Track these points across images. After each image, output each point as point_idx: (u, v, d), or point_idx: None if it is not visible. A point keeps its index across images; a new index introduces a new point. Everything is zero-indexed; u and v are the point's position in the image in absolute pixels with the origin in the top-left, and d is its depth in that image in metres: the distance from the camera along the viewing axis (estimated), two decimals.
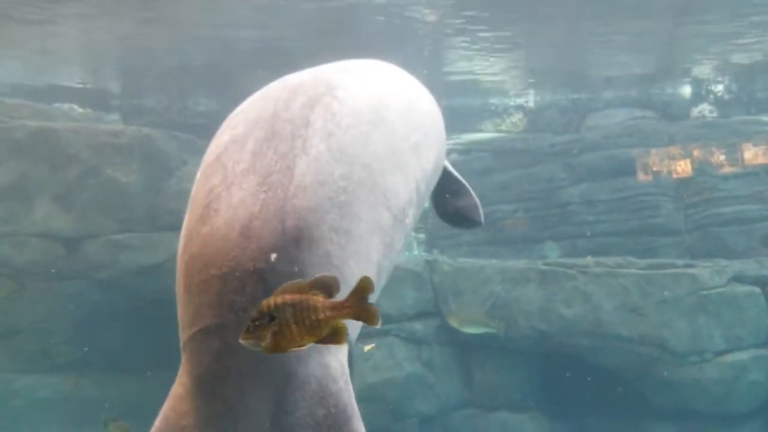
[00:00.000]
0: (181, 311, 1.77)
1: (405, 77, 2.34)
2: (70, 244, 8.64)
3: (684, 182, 9.09)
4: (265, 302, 1.42)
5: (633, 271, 6.90)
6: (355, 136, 1.92)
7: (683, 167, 9.16)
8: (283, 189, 1.77)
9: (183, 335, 1.75)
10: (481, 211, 2.47)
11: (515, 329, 6.97)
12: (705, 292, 6.66)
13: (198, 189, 1.88)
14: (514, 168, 9.71)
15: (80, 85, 10.96)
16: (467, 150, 10.41)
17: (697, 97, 10.25)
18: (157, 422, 1.75)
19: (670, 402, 6.77)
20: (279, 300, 1.42)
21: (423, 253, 9.13)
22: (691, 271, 6.82)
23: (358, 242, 1.81)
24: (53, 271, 8.49)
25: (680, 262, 7.25)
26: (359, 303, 1.43)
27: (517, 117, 11.06)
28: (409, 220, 2.07)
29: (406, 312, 7.05)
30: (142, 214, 8.61)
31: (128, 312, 8.41)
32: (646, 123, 9.83)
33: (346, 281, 1.70)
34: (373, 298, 1.80)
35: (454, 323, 6.75)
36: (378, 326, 1.47)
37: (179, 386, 1.73)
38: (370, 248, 1.83)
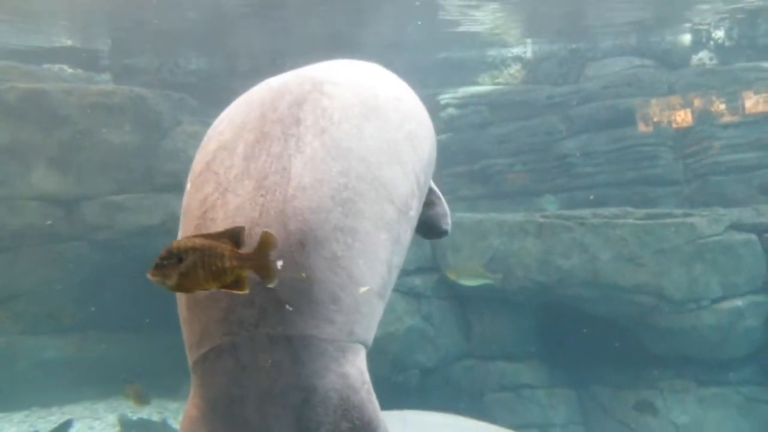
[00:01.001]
0: (187, 331, 1.67)
1: (388, 73, 2.24)
2: (68, 206, 8.62)
3: (683, 131, 9.02)
4: (175, 243, 1.50)
5: (631, 221, 6.91)
6: (348, 129, 1.84)
7: (682, 116, 9.08)
8: (281, 191, 1.69)
9: (191, 356, 1.66)
10: (450, 220, 2.33)
11: (513, 281, 7.02)
12: (702, 241, 6.69)
13: (190, 200, 1.79)
14: (512, 121, 9.63)
15: (69, 45, 10.76)
16: (464, 104, 10.30)
17: (697, 45, 10.09)
18: None
19: (668, 349, 6.87)
20: (189, 243, 1.50)
21: None
22: (689, 220, 6.82)
23: (365, 240, 1.73)
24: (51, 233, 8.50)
25: (678, 211, 7.25)
26: (261, 258, 1.50)
27: (514, 68, 10.90)
28: (413, 212, 1.97)
29: (406, 267, 7.08)
30: (137, 176, 8.58)
31: (128, 273, 8.43)
32: (645, 72, 9.70)
33: (357, 282, 1.66)
34: (385, 297, 1.77)
35: (452, 277, 6.79)
36: (273, 285, 1.53)
37: (193, 408, 1.64)
38: (377, 245, 1.75)
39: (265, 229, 1.56)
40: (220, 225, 1.64)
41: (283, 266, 1.58)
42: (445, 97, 10.56)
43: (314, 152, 1.77)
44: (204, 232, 1.62)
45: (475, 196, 9.53)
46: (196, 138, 9.02)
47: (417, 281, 7.12)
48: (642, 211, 7.14)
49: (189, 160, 8.25)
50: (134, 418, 6.76)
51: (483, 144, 9.70)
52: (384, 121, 1.93)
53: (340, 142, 1.81)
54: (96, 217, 8.57)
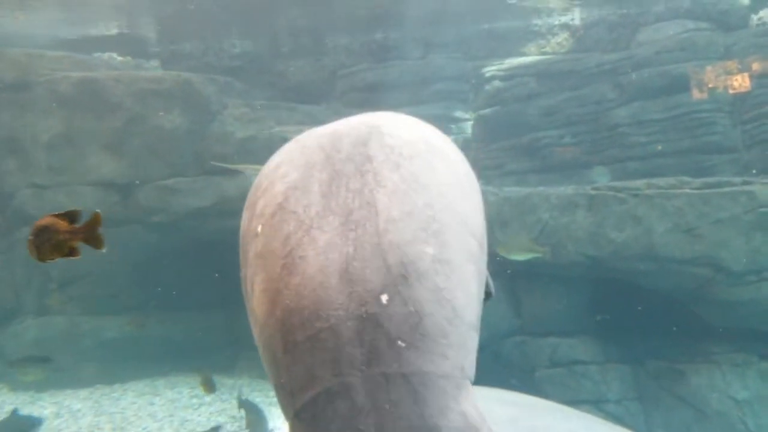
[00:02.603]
0: (284, 376, 1.56)
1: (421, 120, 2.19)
2: (123, 190, 8.89)
3: (741, 96, 8.62)
4: (36, 223, 1.95)
5: (687, 191, 6.67)
6: (420, 164, 1.78)
7: (740, 80, 8.67)
8: (372, 225, 1.62)
9: (292, 402, 1.54)
10: (492, 282, 2.25)
11: (564, 256, 6.90)
12: (763, 210, 6.41)
13: (268, 242, 1.69)
14: (561, 91, 9.39)
15: (117, 33, 10.99)
16: (510, 75, 10.09)
17: (758, 2, 9.57)
18: None
19: (727, 322, 6.65)
20: (37, 222, 1.98)
21: None
22: (748, 188, 6.54)
23: (459, 272, 1.66)
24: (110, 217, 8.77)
25: (737, 179, 6.96)
26: (90, 230, 1.98)
27: (562, 37, 10.61)
28: (485, 248, 1.91)
29: None
30: (188, 159, 8.76)
31: (183, 254, 8.68)
32: (700, 35, 9.29)
33: (460, 315, 1.60)
34: (478, 331, 1.73)
35: (502, 252, 6.72)
36: (103, 250, 1.87)
37: None
38: (468, 277, 1.68)
39: (361, 263, 1.54)
40: (312, 263, 1.57)
41: (388, 301, 1.51)
42: (491, 70, 10.37)
43: (396, 186, 1.71)
44: (293, 270, 1.58)
45: (522, 170, 9.37)
46: (243, 121, 9.15)
47: None
48: (698, 181, 6.88)
49: (237, 143, 8.47)
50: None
51: (530, 116, 9.50)
52: (446, 157, 1.89)
53: (417, 175, 1.75)
54: (150, 200, 8.81)
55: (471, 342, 1.63)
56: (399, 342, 1.49)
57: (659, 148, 8.62)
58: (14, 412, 6.83)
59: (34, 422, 6.76)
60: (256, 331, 1.67)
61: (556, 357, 6.99)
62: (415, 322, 1.52)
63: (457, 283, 1.63)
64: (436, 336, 1.54)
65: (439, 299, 1.57)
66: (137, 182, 8.70)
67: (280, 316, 1.56)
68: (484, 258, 1.87)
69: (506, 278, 7.22)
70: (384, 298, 1.52)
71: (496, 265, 7.02)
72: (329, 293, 1.54)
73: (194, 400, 7.59)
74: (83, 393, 8.28)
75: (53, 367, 8.42)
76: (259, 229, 1.74)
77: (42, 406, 7.73)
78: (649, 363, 7.06)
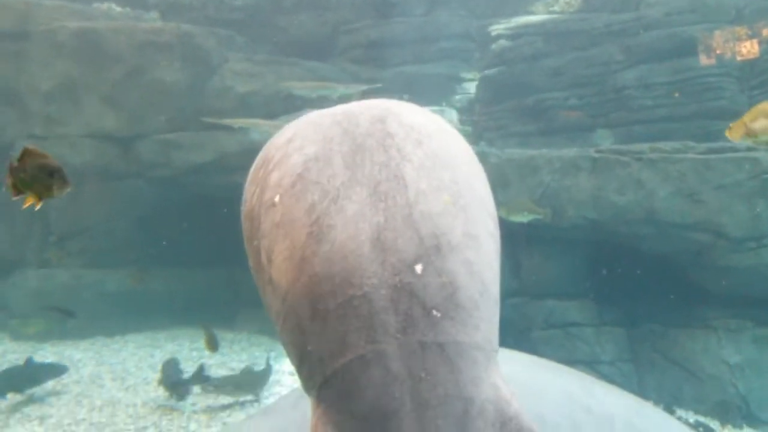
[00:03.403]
0: (312, 342, 1.54)
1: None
2: (123, 144, 8.83)
3: (750, 61, 8.49)
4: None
5: (691, 156, 6.62)
6: (439, 143, 1.75)
7: (750, 45, 8.52)
8: (401, 196, 1.59)
9: (321, 369, 1.51)
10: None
11: (565, 219, 6.89)
12: (767, 176, 6.38)
13: (289, 210, 1.66)
14: (567, 52, 9.23)
15: None
16: (517, 35, 9.91)
17: None
18: None
19: (725, 288, 6.69)
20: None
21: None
22: (752, 154, 6.49)
23: (485, 247, 1.65)
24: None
25: (742, 145, 6.90)
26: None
27: None
28: (498, 228, 1.95)
29: None
30: (188, 114, 8.68)
31: (184, 209, 8.68)
32: None
33: (488, 289, 1.60)
34: (499, 305, 1.74)
35: (502, 213, 6.67)
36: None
37: (327, 428, 1.49)
38: (491, 254, 1.67)
39: (392, 233, 1.51)
40: (341, 231, 1.55)
41: (422, 271, 1.50)
42: (497, 28, 10.19)
43: (421, 161, 1.68)
44: (322, 238, 1.55)
45: (526, 132, 9.28)
46: (244, 76, 9.03)
47: None
48: (703, 146, 6.82)
49: (237, 98, 8.37)
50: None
51: (536, 77, 9.37)
52: (457, 138, 1.84)
53: (438, 152, 1.72)
54: (151, 154, 8.77)
55: (496, 317, 1.62)
56: (434, 311, 1.49)
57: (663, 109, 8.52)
58: (29, 360, 6.88)
59: (61, 369, 6.79)
60: (274, 301, 1.62)
61: (553, 318, 7.05)
62: (450, 293, 1.52)
63: (484, 259, 1.63)
64: (470, 308, 1.54)
65: (471, 272, 1.57)
66: (137, 136, 8.64)
67: (308, 283, 1.54)
68: (498, 237, 1.89)
69: (506, 241, 7.21)
70: (418, 267, 1.51)
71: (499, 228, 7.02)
72: (361, 261, 1.52)
73: (194, 353, 7.69)
74: (84, 344, 8.39)
75: (54, 318, 8.51)
76: (277, 199, 1.69)
77: (43, 356, 7.84)
78: (645, 326, 7.13)
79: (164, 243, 8.63)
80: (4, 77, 9.06)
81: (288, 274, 1.59)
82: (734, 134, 4.93)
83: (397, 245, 1.53)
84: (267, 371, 6.57)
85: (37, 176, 2.26)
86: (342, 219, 1.57)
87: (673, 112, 8.53)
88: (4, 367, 7.35)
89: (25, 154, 2.28)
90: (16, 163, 2.27)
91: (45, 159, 2.28)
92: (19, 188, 2.27)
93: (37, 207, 2.29)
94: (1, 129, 9.17)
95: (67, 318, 7.42)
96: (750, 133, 4.96)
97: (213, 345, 6.88)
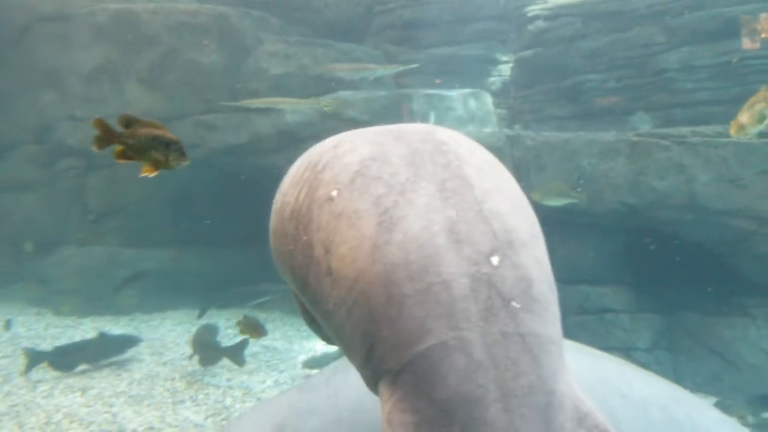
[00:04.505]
0: (387, 329, 1.50)
1: None
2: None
3: None
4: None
5: (734, 140, 6.44)
6: (485, 153, 1.82)
7: None
8: (469, 193, 1.61)
9: (397, 355, 1.48)
10: None
11: (601, 204, 6.78)
12: None
13: (350, 204, 1.65)
14: (607, 33, 9.01)
15: None
16: (554, 15, 9.70)
17: None
18: None
19: (765, 277, 6.52)
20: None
21: (504, 129, 8.86)
22: None
23: (544, 248, 1.71)
24: None
25: None
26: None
27: None
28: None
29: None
30: (223, 95, 8.74)
31: (219, 190, 8.79)
32: None
33: (552, 287, 1.63)
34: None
35: (536, 197, 6.62)
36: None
37: (406, 414, 1.45)
38: (546, 258, 1.72)
39: (466, 226, 1.55)
40: (414, 222, 1.56)
41: (499, 263, 1.51)
42: (534, 9, 9.99)
43: (479, 165, 1.72)
44: (393, 228, 1.56)
45: (563, 115, 9.12)
46: (278, 57, 9.04)
47: None
48: None
49: (272, 79, 8.40)
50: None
51: (574, 59, 9.18)
52: (495, 158, 1.93)
53: (488, 160, 1.78)
54: (187, 135, 8.86)
55: (559, 314, 1.66)
56: (513, 303, 1.49)
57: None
58: (102, 334, 7.14)
59: (134, 340, 7.01)
60: (334, 290, 1.61)
61: (588, 304, 6.97)
62: (526, 287, 1.53)
63: (546, 258, 1.67)
64: (544, 302, 1.56)
65: (542, 269, 1.60)
66: (173, 117, 8.74)
67: (382, 270, 1.52)
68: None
69: (540, 225, 7.14)
70: (494, 259, 1.52)
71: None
72: (438, 250, 1.52)
73: (229, 331, 7.83)
74: (123, 320, 8.61)
75: (93, 295, 8.74)
76: (335, 193, 1.69)
77: (84, 331, 8.07)
78: (682, 314, 7.00)
79: (198, 223, 8.75)
80: (46, 59, 9.25)
81: (357, 262, 1.57)
82: (733, 131, 4.96)
83: (473, 237, 1.53)
84: (297, 350, 6.65)
85: (151, 146, 2.22)
86: (413, 210, 1.57)
87: (716, 96, 8.28)
88: (48, 341, 7.59)
89: (133, 122, 2.25)
90: (122, 130, 2.25)
91: (160, 130, 2.25)
92: (127, 155, 2.23)
93: (152, 175, 2.27)
94: (42, 110, 9.38)
95: (140, 281, 7.62)
96: (742, 127, 4.94)
97: (256, 331, 6.82)
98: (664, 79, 8.56)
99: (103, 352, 6.67)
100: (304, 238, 1.73)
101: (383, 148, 1.75)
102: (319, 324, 1.90)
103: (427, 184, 1.63)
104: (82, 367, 6.49)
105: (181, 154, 2.28)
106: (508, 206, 1.65)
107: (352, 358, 1.65)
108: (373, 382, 1.57)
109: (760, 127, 4.88)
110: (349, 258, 1.59)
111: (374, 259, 1.55)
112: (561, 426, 1.45)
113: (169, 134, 2.28)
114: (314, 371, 6.37)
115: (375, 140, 1.80)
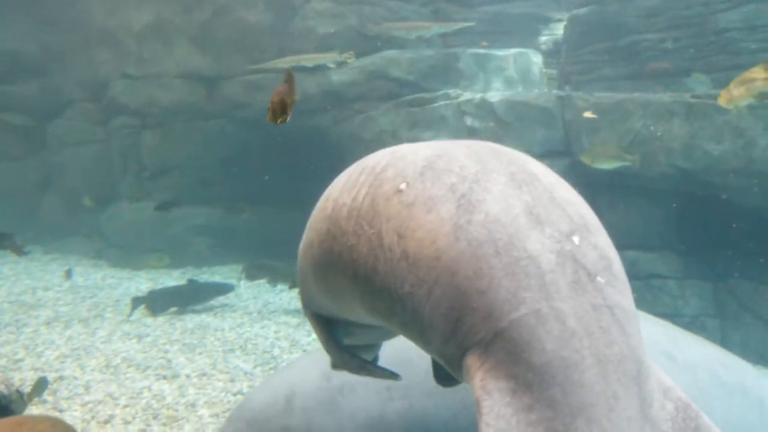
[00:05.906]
0: (477, 300, 1.55)
1: None
2: (209, 84, 9.07)
3: None
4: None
5: None
6: (539, 162, 1.92)
7: None
8: (539, 184, 1.71)
9: (491, 323, 1.53)
10: None
11: (654, 167, 6.61)
12: None
13: (422, 193, 1.72)
14: None
15: None
16: None
17: None
18: (492, 421, 1.44)
19: None
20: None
21: (555, 91, 8.67)
22: None
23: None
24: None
25: None
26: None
27: None
28: None
29: (534, 151, 6.87)
30: (271, 55, 8.77)
31: (267, 150, 8.90)
32: None
33: (623, 269, 1.71)
34: None
35: (587, 160, 6.50)
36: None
37: (501, 381, 1.47)
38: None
39: (544, 209, 1.65)
40: (493, 205, 1.64)
41: (580, 242, 1.60)
42: None
43: (537, 164, 1.83)
44: (473, 210, 1.64)
45: (617, 76, 8.85)
46: (326, 16, 8.99)
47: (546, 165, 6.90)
48: None
49: (319, 39, 8.40)
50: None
51: (629, 17, 8.85)
52: None
53: (545, 166, 1.88)
54: (236, 95, 8.98)
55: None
56: (598, 278, 1.57)
57: None
58: (191, 280, 7.61)
59: (229, 287, 7.50)
60: (410, 274, 1.66)
61: (635, 270, 6.86)
62: (607, 264, 1.62)
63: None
64: (623, 280, 1.65)
65: (614, 251, 1.71)
66: (222, 77, 8.83)
67: (466, 247, 1.59)
68: None
69: (589, 189, 7.03)
70: (575, 239, 1.61)
71: (580, 176, 6.84)
72: (521, 229, 1.60)
73: (277, 287, 8.07)
74: (175, 273, 8.92)
75: (146, 249, 9.04)
76: (403, 186, 1.76)
77: (139, 282, 8.40)
78: (732, 282, 6.84)
79: (247, 182, 8.89)
80: (100, 18, 9.43)
81: (438, 242, 1.64)
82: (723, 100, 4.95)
83: (552, 218, 1.63)
84: None
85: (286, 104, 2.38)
86: (490, 195, 1.66)
87: None
88: (105, 291, 7.94)
89: (291, 78, 2.37)
90: (284, 86, 2.37)
91: (293, 92, 2.39)
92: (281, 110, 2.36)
93: (283, 122, 2.45)
94: (96, 68, 9.61)
95: (177, 206, 7.98)
96: (732, 99, 4.90)
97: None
98: (724, 39, 8.19)
99: (194, 298, 7.17)
100: (370, 231, 1.79)
101: (444, 148, 1.85)
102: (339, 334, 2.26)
103: (497, 175, 1.72)
104: (137, 315, 6.79)
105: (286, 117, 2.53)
106: (575, 197, 1.76)
107: (427, 341, 1.70)
108: (457, 356, 1.61)
109: (751, 101, 4.82)
110: (428, 240, 1.66)
111: (457, 237, 1.62)
112: (650, 394, 1.52)
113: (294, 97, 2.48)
114: None
115: (434, 145, 1.90)
